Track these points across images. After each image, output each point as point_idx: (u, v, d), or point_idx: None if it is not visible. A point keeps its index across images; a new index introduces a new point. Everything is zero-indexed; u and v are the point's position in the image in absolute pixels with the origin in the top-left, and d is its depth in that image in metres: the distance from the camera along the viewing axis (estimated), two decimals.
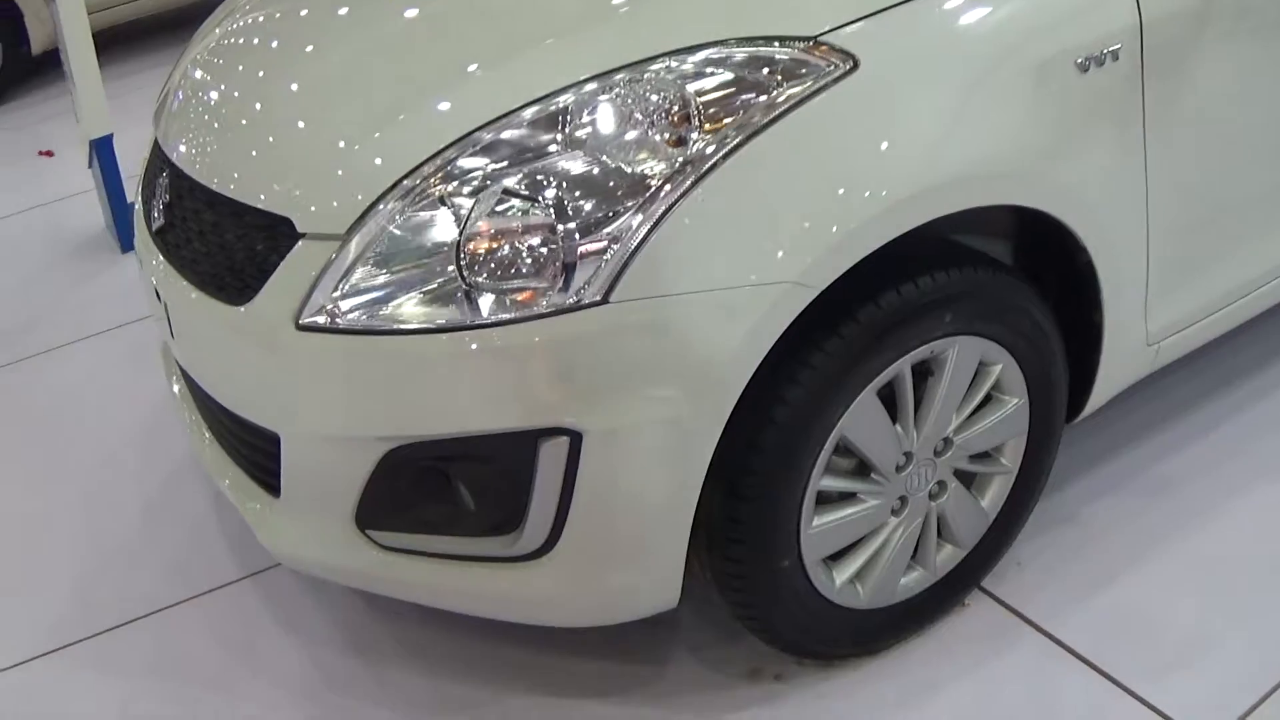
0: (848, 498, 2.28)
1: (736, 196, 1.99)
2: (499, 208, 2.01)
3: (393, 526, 2.19)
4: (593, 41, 2.18)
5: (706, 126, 2.00)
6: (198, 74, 2.69)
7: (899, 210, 2.07)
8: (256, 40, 2.69)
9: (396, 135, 2.17)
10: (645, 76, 2.06)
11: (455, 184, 2.04)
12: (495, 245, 2.00)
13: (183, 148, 2.51)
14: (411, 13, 2.50)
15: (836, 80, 2.05)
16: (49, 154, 5.87)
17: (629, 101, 2.04)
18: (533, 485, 2.04)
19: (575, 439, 1.99)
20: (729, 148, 1.99)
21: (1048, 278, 2.44)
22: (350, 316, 2.06)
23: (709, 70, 2.06)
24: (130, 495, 3.20)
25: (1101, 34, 2.24)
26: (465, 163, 2.06)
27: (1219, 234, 2.60)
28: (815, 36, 2.07)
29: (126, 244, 4.58)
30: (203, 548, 2.97)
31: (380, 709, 2.48)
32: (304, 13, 2.68)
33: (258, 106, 2.47)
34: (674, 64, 2.07)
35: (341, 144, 2.22)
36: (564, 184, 2.00)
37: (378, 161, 2.14)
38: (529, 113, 2.08)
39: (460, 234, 2.01)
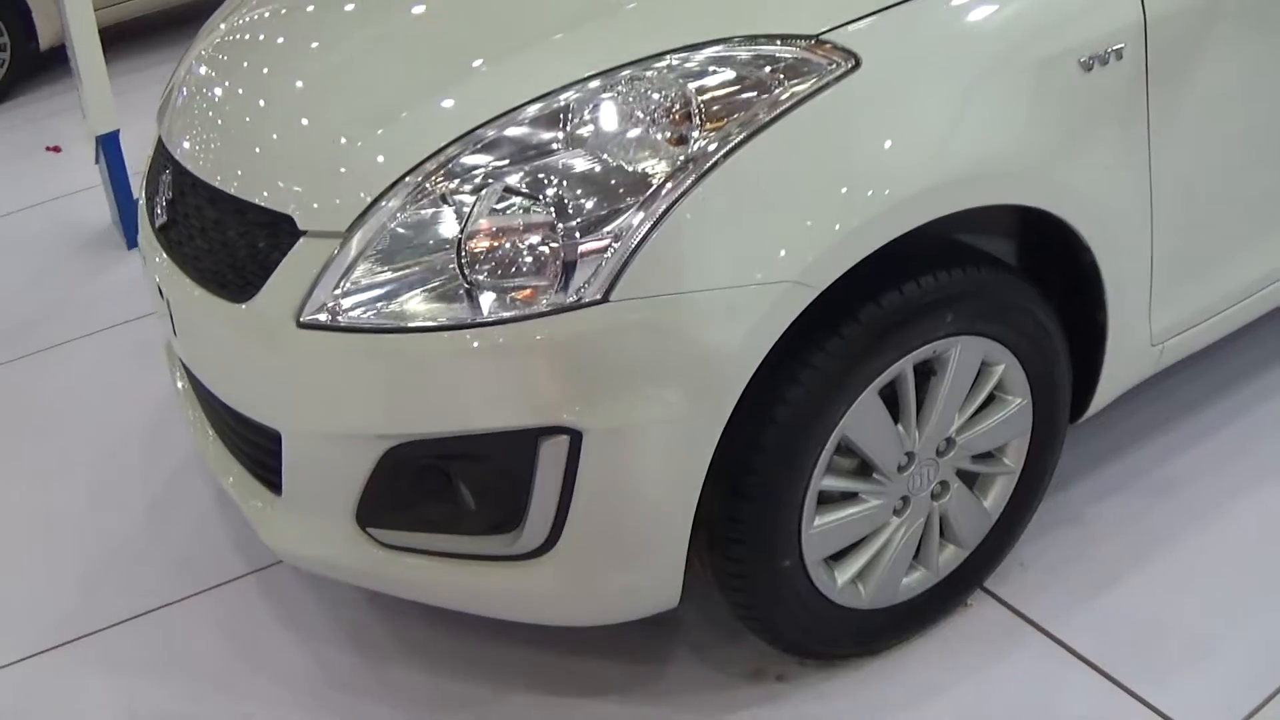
0: (849, 497, 2.28)
1: (738, 195, 1.98)
2: (500, 206, 2.01)
3: (394, 524, 2.19)
4: (596, 39, 2.17)
5: (708, 125, 1.99)
6: (202, 70, 2.68)
7: (901, 209, 2.07)
8: (262, 36, 2.69)
9: (399, 132, 2.16)
10: (647, 75, 2.05)
11: (457, 181, 2.04)
12: (496, 243, 2.00)
13: (186, 144, 2.51)
14: (419, 8, 2.50)
15: (838, 79, 2.04)
16: (56, 149, 5.89)
17: (630, 100, 2.03)
18: (533, 484, 2.04)
19: (575, 438, 1.99)
20: (730, 146, 1.98)
21: (1052, 277, 2.43)
22: (351, 314, 2.06)
23: (710, 69, 2.05)
24: (134, 491, 3.21)
25: (1105, 33, 2.23)
26: (467, 160, 2.05)
27: (1223, 234, 2.59)
28: (817, 35, 2.07)
29: (132, 240, 4.58)
30: (206, 544, 2.97)
31: (381, 706, 2.48)
32: (310, 8, 2.68)
33: (261, 103, 2.47)
34: (676, 62, 2.06)
35: (343, 140, 2.22)
36: (565, 182, 2.00)
37: (380, 159, 2.13)
38: (531, 110, 2.07)
39: (461, 232, 2.01)
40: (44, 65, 6.93)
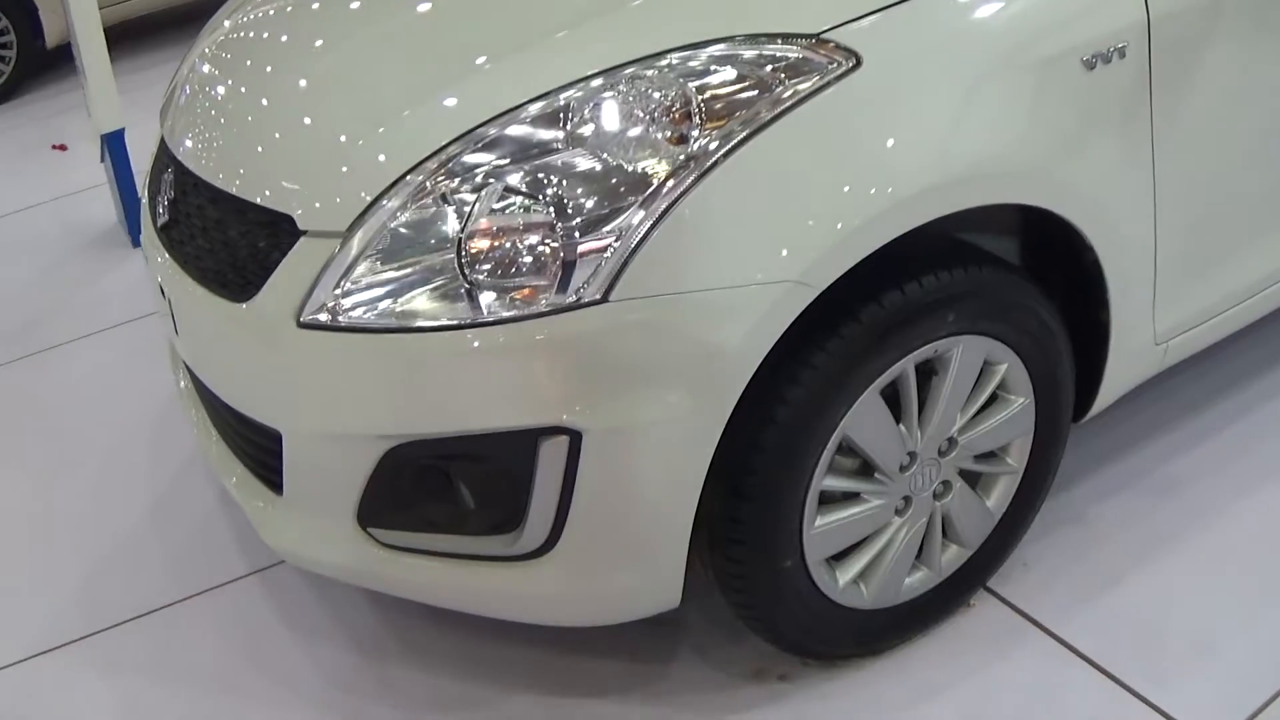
0: (851, 498, 2.27)
1: (738, 195, 1.98)
2: (500, 205, 2.01)
3: (394, 524, 2.19)
4: (599, 37, 2.16)
5: (708, 124, 1.99)
6: (205, 68, 2.68)
7: (903, 208, 2.06)
8: (266, 34, 2.69)
9: (401, 131, 2.16)
10: (648, 74, 2.05)
11: (457, 181, 2.04)
12: (496, 243, 2.00)
13: (188, 143, 2.51)
14: (424, 6, 2.50)
15: (839, 78, 2.03)
16: (62, 148, 5.90)
17: (631, 99, 2.03)
18: (533, 484, 2.03)
19: (575, 438, 1.99)
20: (730, 146, 1.98)
21: (1055, 276, 2.42)
22: (352, 314, 2.06)
23: (711, 67, 2.04)
24: (138, 490, 3.21)
25: (1108, 31, 2.22)
26: (469, 159, 2.05)
27: (1228, 232, 2.58)
28: (818, 34, 2.06)
29: (138, 239, 4.52)
30: (208, 544, 2.98)
31: (382, 707, 2.48)
32: (315, 6, 2.68)
33: (264, 102, 2.46)
34: (676, 61, 2.05)
35: (343, 139, 2.21)
36: (565, 182, 1.99)
37: (381, 158, 2.13)
38: (533, 109, 2.06)
39: (462, 231, 2.00)
40: (50, 63, 6.93)
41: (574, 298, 1.94)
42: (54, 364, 3.94)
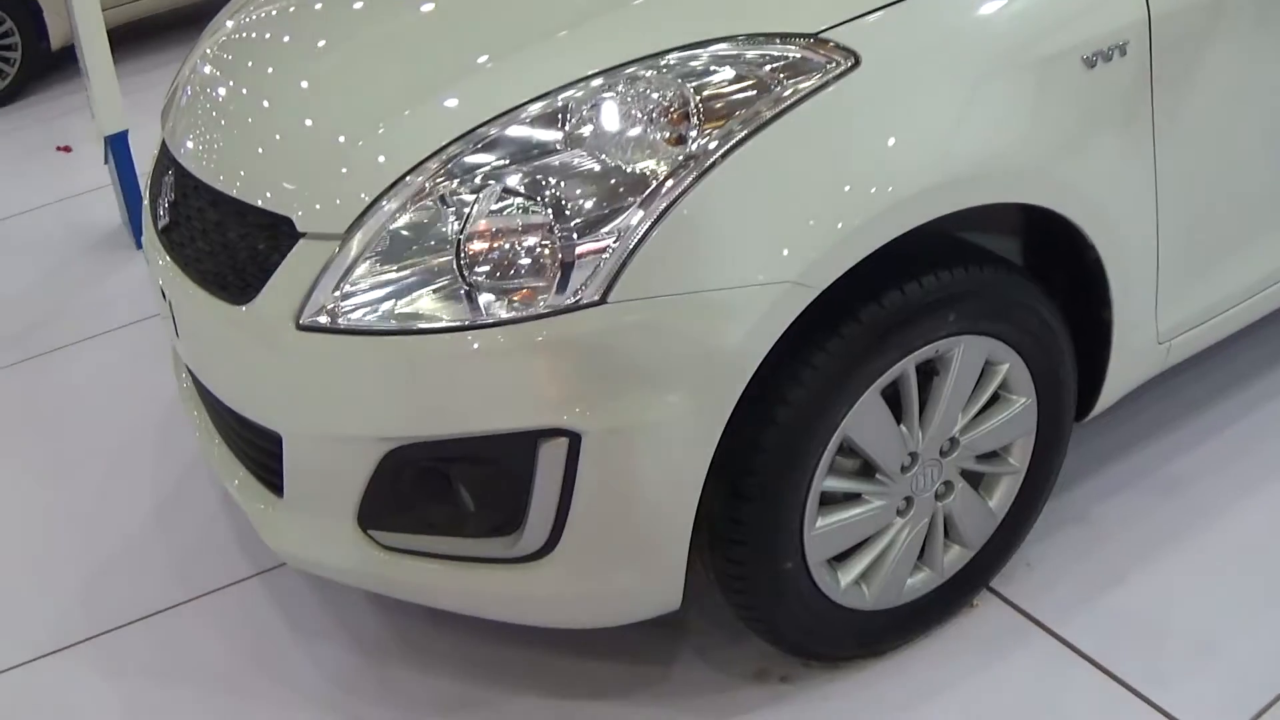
0: (852, 498, 2.26)
1: (737, 195, 1.97)
2: (499, 207, 2.00)
3: (394, 527, 2.19)
4: (600, 37, 2.16)
5: (707, 124, 1.98)
6: (206, 69, 2.68)
7: (903, 207, 2.05)
8: (268, 35, 2.68)
9: (401, 131, 2.16)
10: (646, 74, 2.04)
11: (456, 182, 2.03)
12: (495, 245, 1.99)
13: (189, 144, 2.51)
14: (427, 6, 2.49)
15: (838, 77, 2.03)
16: (67, 149, 5.90)
17: (629, 100, 2.02)
18: (532, 486, 2.03)
19: (574, 440, 1.98)
20: (729, 146, 1.97)
21: (1057, 275, 2.42)
22: (351, 316, 2.05)
23: (709, 67, 2.04)
24: (141, 492, 3.21)
25: (1109, 29, 2.22)
26: (468, 160, 2.05)
27: (1231, 231, 2.57)
28: (816, 33, 2.05)
29: (141, 241, 4.58)
30: (212, 546, 2.98)
31: (384, 708, 2.48)
32: (318, 6, 2.68)
33: (265, 104, 2.46)
34: (675, 61, 2.05)
35: (342, 139, 2.21)
36: (563, 183, 1.99)
37: (381, 159, 2.13)
38: (534, 109, 2.06)
39: (461, 233, 2.00)
40: (55, 65, 6.94)
41: (573, 299, 1.94)
42: (58, 366, 3.95)
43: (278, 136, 2.36)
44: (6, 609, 2.90)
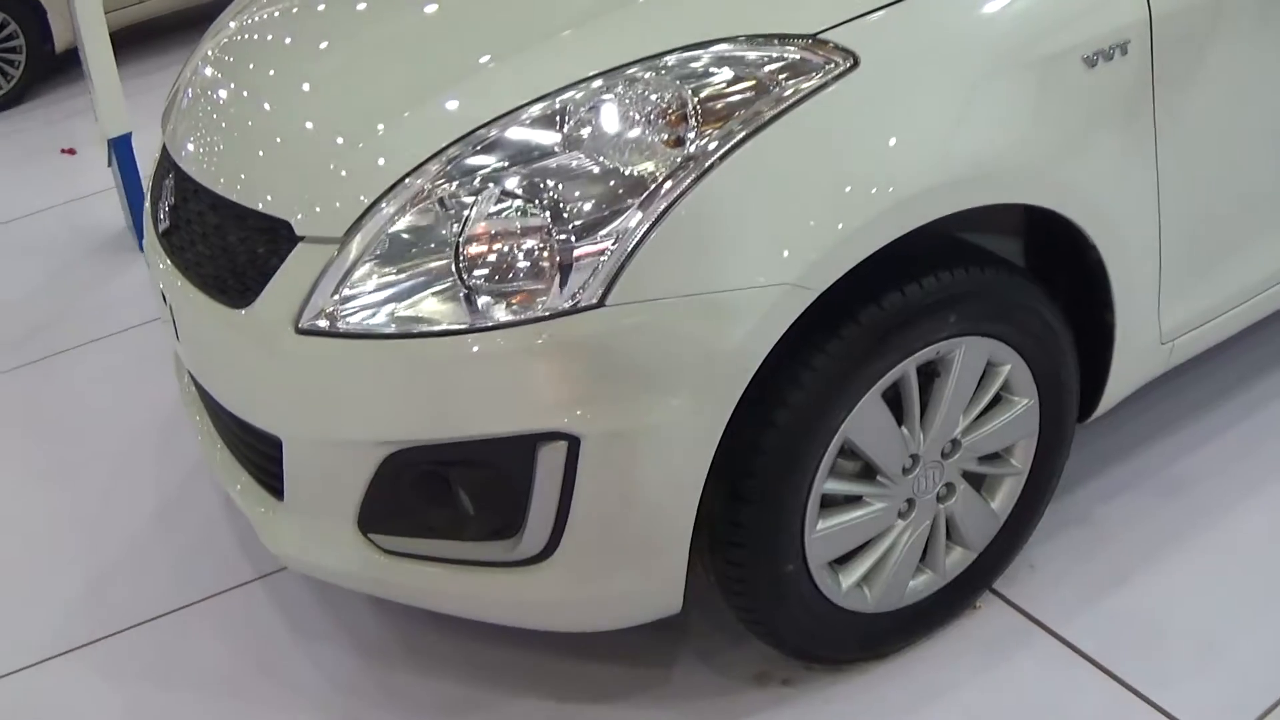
0: (853, 501, 2.26)
1: (735, 197, 1.97)
2: (497, 209, 2.00)
3: (395, 530, 2.18)
4: (601, 37, 2.15)
5: (705, 126, 1.98)
6: (208, 71, 2.68)
7: (903, 208, 2.04)
8: (270, 36, 2.68)
9: (400, 133, 2.15)
10: (645, 76, 2.04)
11: (455, 184, 2.03)
12: (493, 248, 1.99)
13: (189, 147, 2.51)
14: (431, 7, 2.48)
15: (837, 78, 2.02)
16: (71, 152, 5.91)
17: (627, 101, 2.02)
18: (532, 490, 2.02)
19: (573, 443, 1.98)
20: (728, 147, 1.96)
21: (1059, 276, 2.41)
22: (349, 320, 2.05)
23: (708, 69, 2.03)
24: (144, 496, 3.21)
25: (1110, 29, 2.21)
26: (466, 162, 2.04)
27: (1234, 230, 2.56)
28: (814, 34, 2.05)
29: (143, 244, 4.59)
30: (214, 549, 2.97)
31: (386, 711, 2.48)
32: (321, 7, 2.67)
33: (266, 106, 2.45)
34: (673, 62, 2.04)
35: (341, 141, 2.21)
36: (562, 186, 1.98)
37: (380, 161, 2.12)
38: (534, 110, 2.05)
39: (459, 236, 2.00)
40: (60, 67, 6.95)
41: (571, 302, 1.93)
42: (62, 369, 3.95)
43: (278, 139, 2.35)
44: (9, 612, 2.90)
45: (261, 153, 2.35)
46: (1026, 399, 2.36)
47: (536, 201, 1.98)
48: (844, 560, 2.31)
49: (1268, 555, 2.57)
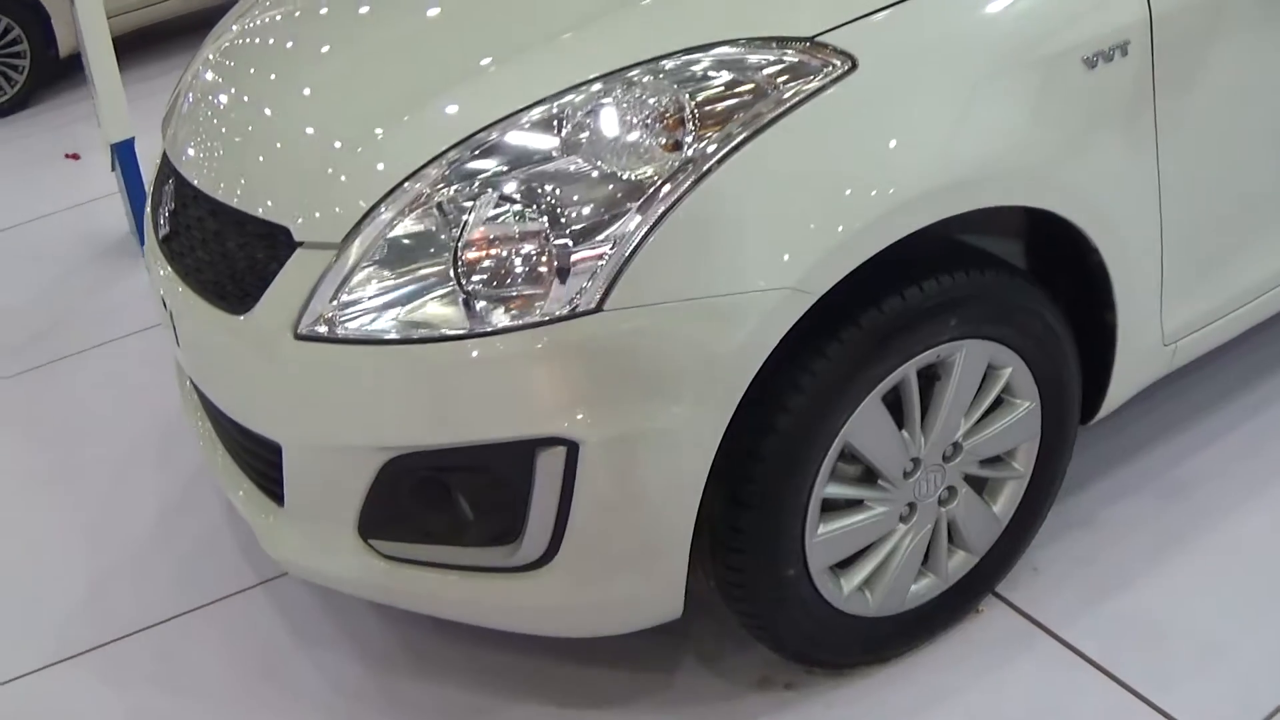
0: (854, 505, 2.25)
1: (734, 200, 1.96)
2: (495, 214, 1.99)
3: (395, 536, 2.18)
4: (599, 41, 2.15)
5: (703, 130, 1.97)
6: (209, 75, 2.67)
7: (902, 211, 2.04)
8: (272, 40, 2.68)
9: (399, 137, 2.15)
10: (643, 80, 2.03)
11: (453, 189, 2.02)
12: (491, 252, 1.98)
13: (189, 153, 2.51)
14: (434, 10, 2.48)
15: (835, 81, 2.01)
16: (75, 157, 5.92)
17: (625, 105, 2.01)
18: (531, 495, 2.02)
19: (572, 449, 1.97)
20: (726, 151, 1.96)
21: (1060, 278, 2.40)
22: (348, 325, 2.05)
23: (706, 72, 2.03)
24: (146, 501, 3.21)
25: (1109, 29, 2.20)
26: (465, 167, 2.04)
27: (1236, 230, 2.55)
28: (812, 37, 2.04)
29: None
30: (216, 555, 2.97)
31: (388, 717, 2.48)
32: (323, 10, 2.67)
33: (267, 112, 2.45)
34: (671, 66, 2.04)
35: (339, 145, 2.20)
36: (559, 190, 1.98)
37: (380, 166, 2.11)
38: (535, 114, 2.05)
39: (458, 241, 1.99)
40: (64, 72, 6.96)
41: (569, 307, 1.92)
42: (65, 373, 3.95)
43: (278, 144, 2.35)
44: (12, 618, 2.91)
45: (261, 158, 2.35)
46: (1028, 402, 2.35)
47: (534, 206, 1.97)
48: (845, 564, 2.30)
49: (1271, 557, 2.56)
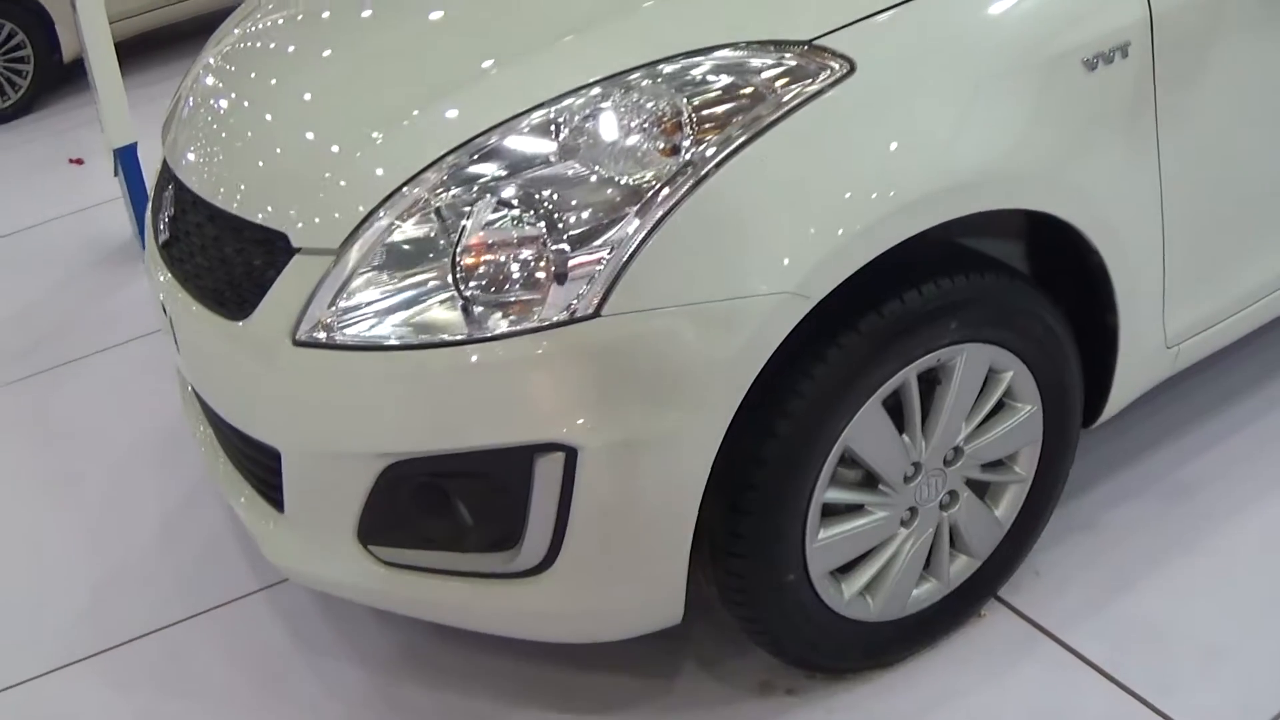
0: (855, 510, 2.24)
1: (732, 205, 1.96)
2: (494, 219, 1.99)
3: (394, 542, 2.18)
4: (599, 45, 2.15)
5: (699, 134, 1.96)
6: (209, 80, 2.67)
7: (901, 214, 2.03)
8: (273, 44, 2.68)
9: (398, 142, 2.14)
10: (642, 84, 2.03)
11: (451, 195, 2.02)
12: (490, 258, 1.98)
13: (189, 158, 2.51)
14: (436, 14, 2.47)
15: (834, 84, 2.01)
16: (79, 162, 5.92)
17: (622, 110, 2.01)
18: (530, 501, 2.01)
19: (570, 454, 1.97)
20: (724, 155, 1.95)
21: (1061, 280, 2.39)
22: (346, 331, 2.04)
23: (705, 76, 2.02)
24: (149, 506, 3.21)
25: (1109, 30, 2.19)
26: (463, 171, 2.03)
27: (1239, 232, 2.54)
28: (811, 40, 2.04)
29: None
30: (217, 560, 2.97)
31: None
32: (325, 14, 2.66)
33: (267, 117, 2.45)
34: (670, 70, 2.03)
35: (337, 149, 2.20)
36: (557, 195, 1.97)
37: (379, 171, 2.11)
38: (534, 118, 2.05)
39: (456, 246, 1.99)
40: (67, 77, 6.97)
41: (567, 312, 1.92)
42: (68, 379, 3.95)
43: (277, 150, 2.35)
44: (13, 624, 2.91)
45: (260, 163, 2.35)
46: (1029, 405, 2.34)
47: (532, 211, 1.97)
48: (847, 569, 2.29)
49: (1274, 561, 2.55)
